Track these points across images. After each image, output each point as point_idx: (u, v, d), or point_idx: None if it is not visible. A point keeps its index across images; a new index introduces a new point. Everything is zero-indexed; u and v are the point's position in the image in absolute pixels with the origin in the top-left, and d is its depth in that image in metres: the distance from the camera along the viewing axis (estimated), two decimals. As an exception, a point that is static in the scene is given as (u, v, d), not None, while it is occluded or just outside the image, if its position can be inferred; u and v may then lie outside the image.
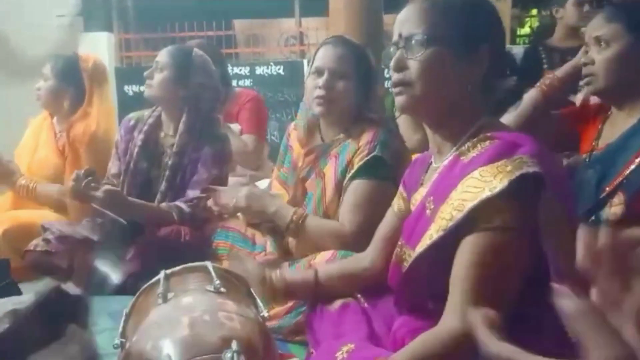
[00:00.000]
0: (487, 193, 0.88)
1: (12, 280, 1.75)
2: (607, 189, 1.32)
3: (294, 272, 1.35)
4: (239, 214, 1.93)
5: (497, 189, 0.88)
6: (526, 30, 5.53)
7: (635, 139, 1.35)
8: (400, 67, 1.03)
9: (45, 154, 2.54)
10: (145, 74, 2.10)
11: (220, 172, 2.05)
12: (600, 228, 1.28)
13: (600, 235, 1.27)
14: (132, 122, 2.18)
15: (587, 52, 1.49)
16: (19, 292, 1.73)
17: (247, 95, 2.84)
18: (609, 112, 1.52)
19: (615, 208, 1.30)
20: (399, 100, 1.05)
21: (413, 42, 1.01)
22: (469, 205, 0.90)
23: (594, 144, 1.49)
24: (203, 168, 2.03)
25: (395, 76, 1.05)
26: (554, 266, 0.88)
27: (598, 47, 1.43)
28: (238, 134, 2.67)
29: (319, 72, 1.67)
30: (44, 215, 2.34)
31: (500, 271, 0.90)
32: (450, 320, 0.90)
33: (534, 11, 5.49)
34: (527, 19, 5.57)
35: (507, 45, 3.61)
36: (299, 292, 1.34)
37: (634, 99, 1.43)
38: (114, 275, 1.87)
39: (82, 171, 1.89)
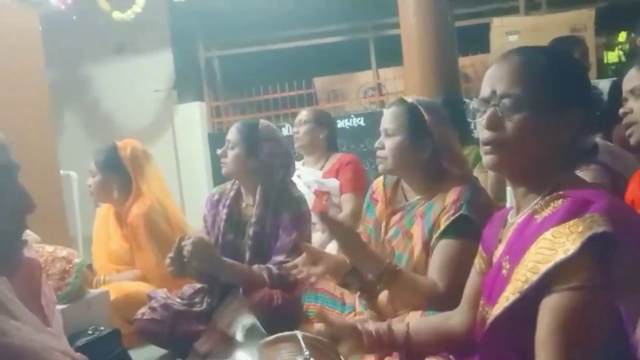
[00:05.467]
0: (560, 256, 0.87)
1: (124, 349, 1.89)
2: None
3: (384, 324, 1.34)
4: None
5: (570, 252, 0.86)
6: (614, 56, 5.26)
7: None
8: (495, 125, 1.02)
9: (116, 244, 2.70)
10: (218, 153, 2.22)
11: (301, 234, 2.09)
12: None
13: None
14: (216, 197, 2.30)
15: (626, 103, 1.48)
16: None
17: (348, 157, 3.11)
18: None
19: None
20: (490, 158, 1.04)
21: (509, 102, 1.01)
22: (544, 268, 0.89)
23: None
24: (284, 233, 2.10)
25: (488, 134, 1.03)
26: (631, 328, 0.85)
27: (634, 97, 1.42)
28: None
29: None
30: (146, 285, 2.51)
31: (584, 331, 0.88)
32: None
33: (622, 36, 5.23)
34: (616, 46, 5.30)
35: (594, 80, 3.47)
36: (389, 344, 1.31)
37: None
38: None
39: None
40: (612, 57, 5.25)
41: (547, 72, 1.01)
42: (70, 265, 2.03)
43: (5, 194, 0.91)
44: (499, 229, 1.17)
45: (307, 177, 2.94)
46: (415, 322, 1.35)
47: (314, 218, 2.29)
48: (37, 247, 2.02)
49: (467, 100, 3.59)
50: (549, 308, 0.90)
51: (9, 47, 3.09)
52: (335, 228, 1.59)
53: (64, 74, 5.56)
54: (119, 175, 2.66)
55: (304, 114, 3.15)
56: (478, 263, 1.25)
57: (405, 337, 1.28)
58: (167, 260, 2.00)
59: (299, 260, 1.75)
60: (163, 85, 5.68)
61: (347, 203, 2.90)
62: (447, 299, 1.50)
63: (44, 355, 0.92)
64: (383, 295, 1.71)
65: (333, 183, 2.94)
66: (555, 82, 1.01)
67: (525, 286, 0.91)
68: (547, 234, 0.91)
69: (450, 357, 1.24)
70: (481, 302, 1.12)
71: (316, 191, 2.92)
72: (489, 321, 1.01)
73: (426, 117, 1.68)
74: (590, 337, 0.88)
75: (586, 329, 0.88)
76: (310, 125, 3.07)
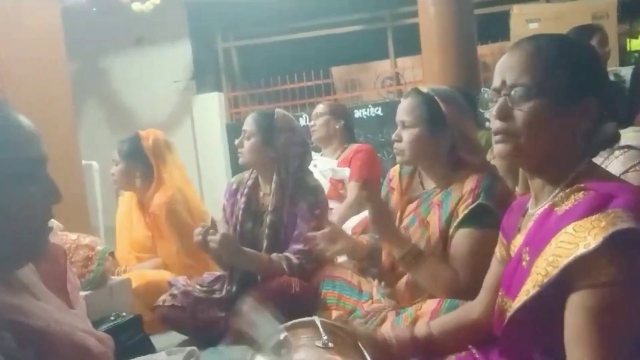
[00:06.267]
0: (581, 250, 0.86)
1: (145, 335, 1.93)
2: None
3: (405, 330, 1.33)
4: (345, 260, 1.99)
5: (591, 246, 0.85)
6: (637, 44, 5.14)
7: None
8: (505, 115, 1.01)
9: (139, 232, 2.74)
10: (236, 143, 2.24)
11: (319, 222, 2.09)
12: None
13: None
14: (234, 186, 2.32)
15: None
16: (151, 346, 1.90)
17: (361, 146, 3.19)
18: None
19: None
20: (501, 148, 1.04)
21: (519, 91, 1.00)
22: (563, 262, 0.88)
23: None
24: (302, 222, 2.11)
25: (499, 124, 1.03)
26: None
27: None
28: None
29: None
30: (167, 273, 2.54)
31: (612, 327, 0.87)
32: None
33: (646, 23, 5.11)
34: (639, 33, 5.18)
35: (616, 68, 3.39)
36: (412, 351, 1.30)
37: None
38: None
39: (207, 224, 2.04)
40: (635, 44, 5.14)
41: (557, 61, 0.99)
42: (93, 253, 2.08)
43: (35, 185, 0.93)
44: (518, 217, 1.16)
45: (322, 166, 2.98)
46: (437, 322, 1.33)
47: (331, 204, 2.31)
48: (60, 234, 2.07)
49: (485, 89, 3.57)
50: (575, 306, 0.88)
51: (31, 39, 3.14)
52: (373, 197, 1.62)
53: (84, 65, 5.63)
54: (142, 164, 2.70)
55: (320, 107, 3.23)
56: (499, 251, 1.24)
57: (428, 341, 1.27)
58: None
59: (319, 233, 1.79)
60: (181, 76, 5.73)
61: (351, 190, 2.96)
62: (466, 288, 1.49)
63: (68, 336, 0.95)
64: (401, 283, 1.72)
65: (346, 172, 3.01)
66: (566, 71, 0.99)
67: (545, 280, 0.90)
68: (569, 228, 0.90)
69: (473, 351, 1.23)
70: (500, 292, 1.11)
71: (331, 179, 2.97)
72: (509, 314, 1.01)
73: (443, 106, 1.66)
74: (620, 333, 0.87)
75: (615, 325, 0.86)
76: (326, 117, 3.14)
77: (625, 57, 4.72)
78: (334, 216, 2.77)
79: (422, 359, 1.30)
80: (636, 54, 4.92)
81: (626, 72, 2.77)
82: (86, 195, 3.52)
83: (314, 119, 3.19)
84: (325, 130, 3.14)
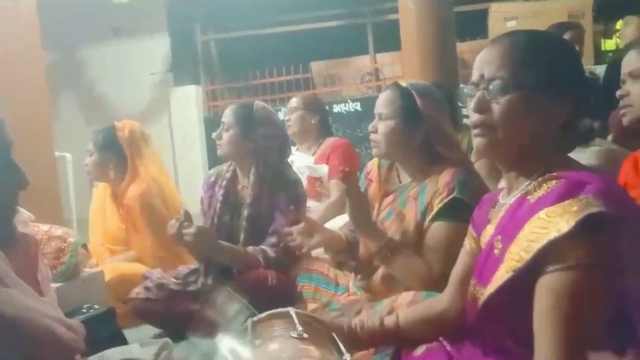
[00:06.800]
0: (554, 234, 0.88)
1: (118, 328, 1.90)
2: None
3: (374, 319, 1.34)
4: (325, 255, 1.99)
5: (564, 230, 0.87)
6: (612, 44, 5.25)
7: None
8: (482, 109, 1.03)
9: (112, 224, 2.70)
10: (214, 135, 2.22)
11: (296, 216, 2.08)
12: None
13: None
14: (212, 179, 2.30)
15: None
16: (124, 339, 1.88)
17: (338, 142, 3.11)
18: None
19: None
20: (479, 142, 1.05)
21: (496, 85, 1.01)
22: (536, 246, 0.89)
23: None
24: (280, 215, 2.10)
25: (477, 117, 1.04)
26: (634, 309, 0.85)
27: (632, 80, 1.44)
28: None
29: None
30: (141, 266, 2.50)
31: (580, 311, 0.88)
32: None
33: (620, 24, 5.22)
34: (613, 33, 5.29)
35: (591, 66, 3.46)
36: (379, 339, 1.33)
37: None
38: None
39: (181, 216, 2.01)
40: (609, 44, 5.25)
41: (534, 56, 1.01)
42: (66, 244, 2.04)
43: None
44: (488, 209, 1.17)
45: (299, 163, 2.92)
46: (405, 313, 1.34)
47: (309, 203, 2.30)
48: (32, 225, 2.02)
49: (462, 86, 3.59)
50: (544, 288, 0.90)
51: (5, 30, 3.07)
52: (352, 190, 1.63)
53: (60, 56, 5.53)
54: (116, 155, 2.66)
55: (294, 100, 3.15)
56: (468, 243, 1.25)
57: (396, 330, 1.29)
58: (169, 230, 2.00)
59: (295, 228, 1.79)
60: (159, 68, 5.66)
61: (334, 189, 2.88)
62: (440, 281, 1.51)
63: (36, 322, 0.93)
64: (377, 276, 1.73)
65: (324, 169, 2.94)
66: (543, 65, 1.00)
67: (519, 265, 0.91)
68: (541, 214, 0.92)
69: (444, 343, 1.24)
70: (472, 282, 1.12)
71: (309, 177, 2.92)
72: (481, 300, 1.02)
73: (419, 101, 1.67)
74: (588, 317, 0.88)
75: (582, 309, 0.87)
76: (301, 112, 3.06)
77: (599, 57, 4.82)
78: (314, 215, 2.74)
79: (392, 346, 1.31)
80: (610, 54, 5.02)
81: (601, 70, 2.83)
82: (59, 187, 3.45)
83: (289, 113, 3.11)
84: (300, 125, 3.05)
